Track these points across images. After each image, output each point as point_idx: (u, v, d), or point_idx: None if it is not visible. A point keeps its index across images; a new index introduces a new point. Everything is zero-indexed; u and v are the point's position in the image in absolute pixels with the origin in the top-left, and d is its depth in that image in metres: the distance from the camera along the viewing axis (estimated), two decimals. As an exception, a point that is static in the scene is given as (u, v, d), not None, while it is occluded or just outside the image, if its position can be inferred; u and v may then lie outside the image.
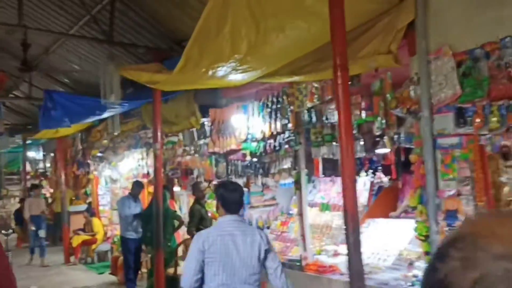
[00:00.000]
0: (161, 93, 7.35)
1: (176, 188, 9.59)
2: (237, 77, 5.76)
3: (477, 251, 0.55)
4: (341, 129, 3.78)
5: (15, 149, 18.34)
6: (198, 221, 6.97)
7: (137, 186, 8.37)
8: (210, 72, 5.03)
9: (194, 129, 8.08)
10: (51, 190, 15.47)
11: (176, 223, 7.86)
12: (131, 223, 7.90)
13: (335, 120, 5.33)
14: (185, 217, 8.46)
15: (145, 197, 9.46)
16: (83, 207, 12.19)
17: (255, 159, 6.86)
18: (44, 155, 16.79)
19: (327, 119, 5.52)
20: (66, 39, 8.77)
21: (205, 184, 7.81)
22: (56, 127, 8.10)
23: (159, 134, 7.24)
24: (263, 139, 6.59)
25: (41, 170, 17.42)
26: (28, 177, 17.00)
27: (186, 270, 3.21)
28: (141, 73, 6.51)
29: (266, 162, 6.68)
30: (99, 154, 11.06)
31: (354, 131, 5.03)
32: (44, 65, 10.80)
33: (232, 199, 3.24)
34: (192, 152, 8.22)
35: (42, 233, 11.10)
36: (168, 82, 6.30)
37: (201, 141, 8.03)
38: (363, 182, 6.62)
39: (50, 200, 14.81)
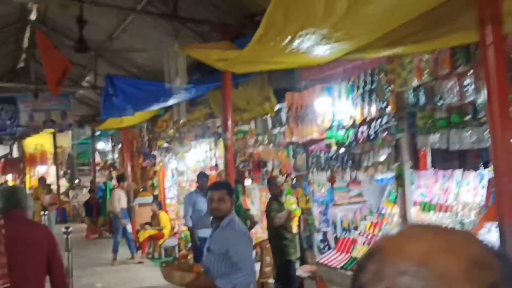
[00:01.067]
0: (231, 77, 6.50)
1: (247, 182, 8.74)
2: (324, 51, 4.75)
3: (386, 266, 0.62)
4: (493, 109, 2.66)
5: (85, 141, 18.44)
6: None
7: (202, 177, 7.58)
8: (295, 43, 4.06)
9: (268, 116, 7.16)
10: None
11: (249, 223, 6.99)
12: (204, 220, 7.15)
13: (455, 100, 4.17)
14: (257, 215, 7.60)
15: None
16: (150, 199, 11.71)
17: (342, 150, 5.81)
18: (112, 146, 16.67)
19: (441, 99, 4.35)
20: (129, 22, 8.12)
21: (282, 179, 6.85)
22: (118, 116, 7.52)
23: (229, 122, 6.39)
24: (353, 126, 5.52)
25: (110, 161, 17.35)
26: (97, 168, 16.97)
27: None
28: (209, 52, 5.66)
29: (357, 153, 5.61)
30: (165, 145, 10.48)
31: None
32: (107, 52, 10.34)
33: None
34: (266, 142, 7.30)
35: (129, 228, 10.38)
36: (240, 61, 5.40)
37: (276, 130, 7.10)
38: (479, 177, 5.37)
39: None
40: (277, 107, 6.88)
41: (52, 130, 20.04)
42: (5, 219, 3.13)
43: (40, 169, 22.84)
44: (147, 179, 12.76)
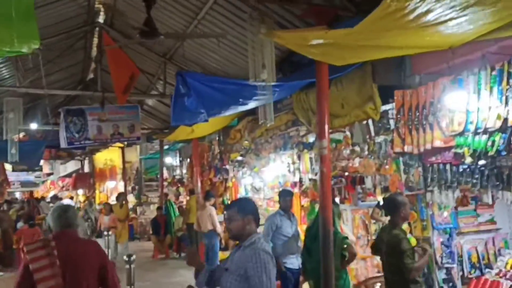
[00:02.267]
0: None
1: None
2: (463, 22, 3.44)
3: None
4: None
5: (153, 156, 17.90)
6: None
7: (286, 195, 6.20)
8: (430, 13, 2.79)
9: (370, 121, 5.83)
10: (187, 198, 14.43)
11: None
12: (290, 246, 5.90)
13: None
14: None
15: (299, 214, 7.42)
16: (220, 217, 10.64)
17: (482, 162, 4.35)
18: (180, 160, 15.94)
19: None
20: (202, 18, 7.16)
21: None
22: (190, 122, 6.49)
23: (326, 127, 5.13)
24: (502, 129, 4.06)
25: (178, 177, 16.61)
26: (165, 183, 16.28)
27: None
28: (303, 34, 4.48)
29: (506, 166, 4.13)
30: (239, 158, 9.39)
31: None
32: (178, 57, 9.51)
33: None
34: (366, 153, 5.95)
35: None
36: (344, 45, 4.18)
37: (380, 138, 5.74)
38: None
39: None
40: (381, 109, 5.53)
41: (120, 144, 19.89)
42: (56, 239, 3.25)
43: (109, 185, 22.73)
44: (217, 195, 11.74)
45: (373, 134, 5.85)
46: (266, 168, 8.57)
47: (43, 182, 30.61)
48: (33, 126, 11.88)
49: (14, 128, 8.31)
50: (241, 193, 9.88)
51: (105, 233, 10.70)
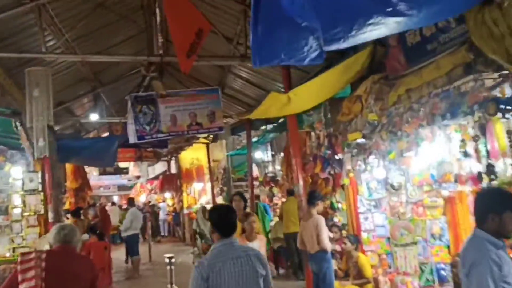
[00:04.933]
0: None
1: None
2: None
3: None
4: None
5: (241, 151, 15.13)
6: None
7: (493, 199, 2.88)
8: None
9: None
10: (283, 200, 11.49)
11: None
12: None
13: None
14: None
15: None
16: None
17: None
18: (273, 155, 13.00)
19: None
20: None
21: None
22: (288, 57, 3.36)
23: None
24: None
25: (270, 175, 13.66)
26: (255, 183, 13.46)
27: None
28: None
29: None
30: (360, 141, 6.17)
31: None
32: None
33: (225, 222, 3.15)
34: None
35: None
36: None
37: None
38: None
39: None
40: None
41: (204, 140, 17.46)
42: (50, 253, 3.41)
43: (197, 186, 20.54)
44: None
45: None
46: (411, 152, 5.25)
47: (133, 185, 29.56)
48: (94, 117, 9.63)
49: (42, 111, 5.88)
50: (363, 194, 6.62)
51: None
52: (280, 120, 9.34)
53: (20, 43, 6.58)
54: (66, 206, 14.40)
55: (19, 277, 3.19)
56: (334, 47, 2.87)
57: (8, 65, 6.85)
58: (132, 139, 10.01)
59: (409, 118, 5.12)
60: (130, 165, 26.78)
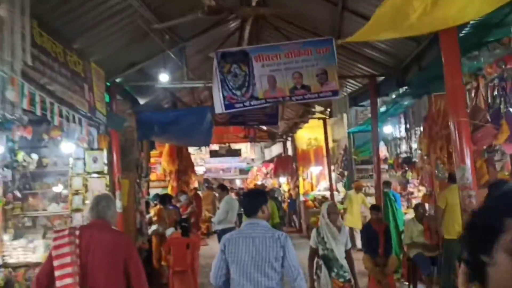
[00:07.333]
0: None
1: None
2: None
3: None
4: None
5: (365, 128, 12.11)
6: None
7: None
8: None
9: None
10: (429, 190, 8.40)
11: None
12: None
13: None
14: None
15: None
16: None
17: None
18: (407, 129, 9.81)
19: None
20: None
21: None
22: None
23: None
24: None
25: (403, 155, 10.42)
26: (383, 167, 10.44)
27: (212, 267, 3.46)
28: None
29: None
30: None
31: None
32: None
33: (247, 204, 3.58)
34: None
35: None
36: None
37: None
38: None
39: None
40: None
41: (321, 115, 14.74)
42: (84, 228, 3.40)
43: (314, 170, 17.96)
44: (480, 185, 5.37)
45: None
46: None
47: (249, 168, 27.98)
48: (163, 77, 7.59)
49: (13, 50, 3.68)
50: None
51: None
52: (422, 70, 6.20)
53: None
54: (168, 191, 12.95)
55: (53, 253, 3.21)
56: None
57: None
58: (219, 108, 7.81)
59: None
60: (245, 147, 25.15)
